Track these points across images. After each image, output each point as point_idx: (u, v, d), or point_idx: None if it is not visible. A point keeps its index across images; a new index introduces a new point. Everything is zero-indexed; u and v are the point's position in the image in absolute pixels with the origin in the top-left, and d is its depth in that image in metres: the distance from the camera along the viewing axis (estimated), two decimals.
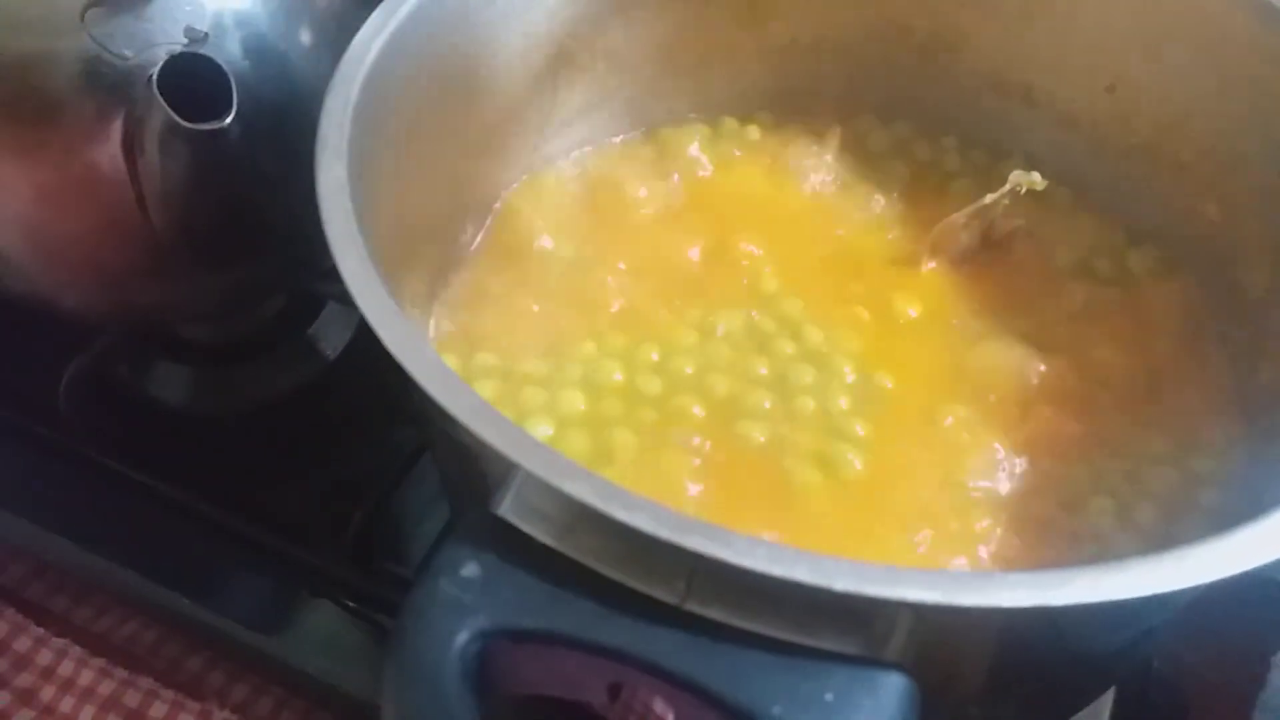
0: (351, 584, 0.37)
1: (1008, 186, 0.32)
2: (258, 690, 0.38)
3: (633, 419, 0.28)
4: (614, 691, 0.19)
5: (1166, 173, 0.34)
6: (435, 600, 0.18)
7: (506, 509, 0.19)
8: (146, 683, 0.37)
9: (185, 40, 0.30)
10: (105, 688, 0.38)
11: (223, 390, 0.42)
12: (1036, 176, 0.32)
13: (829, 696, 0.17)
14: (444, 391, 0.19)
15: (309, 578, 0.37)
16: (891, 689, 0.17)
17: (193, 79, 0.29)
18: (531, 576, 0.18)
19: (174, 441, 0.40)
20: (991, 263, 0.33)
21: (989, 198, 0.32)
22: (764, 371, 0.30)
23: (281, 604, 0.37)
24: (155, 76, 0.28)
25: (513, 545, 0.19)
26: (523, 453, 0.18)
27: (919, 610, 0.18)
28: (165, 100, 0.28)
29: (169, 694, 0.37)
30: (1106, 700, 0.34)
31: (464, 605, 0.18)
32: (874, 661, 0.18)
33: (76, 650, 0.38)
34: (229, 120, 0.28)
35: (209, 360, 0.42)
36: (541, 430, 0.27)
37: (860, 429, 0.28)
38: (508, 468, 0.19)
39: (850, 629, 0.18)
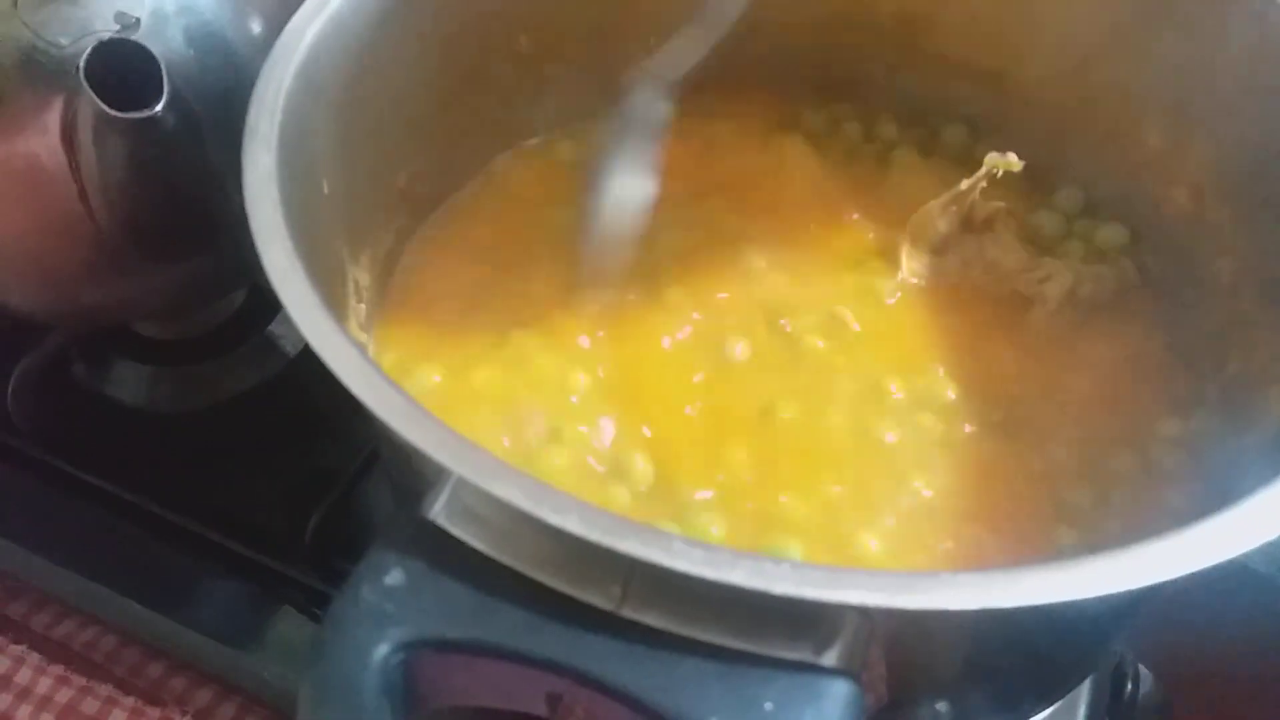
0: (312, 588, 0.36)
1: (983, 170, 0.31)
2: (219, 697, 0.37)
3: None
4: (553, 700, 0.18)
5: (1136, 158, 0.33)
6: (355, 610, 0.17)
7: (436, 513, 0.18)
8: (105, 690, 0.37)
9: (117, 27, 0.29)
10: (63, 695, 0.37)
11: (183, 389, 0.41)
12: (1013, 157, 0.31)
13: (768, 705, 0.16)
14: (369, 390, 0.18)
15: (270, 583, 0.36)
16: (835, 696, 0.17)
17: (126, 67, 0.28)
18: (460, 584, 0.17)
19: (131, 443, 0.39)
20: (966, 259, 0.32)
21: (964, 183, 0.31)
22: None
23: (243, 611, 0.36)
24: (83, 64, 0.27)
25: (442, 551, 0.18)
26: (449, 454, 0.18)
27: (864, 613, 0.17)
28: (99, 89, 0.27)
29: (129, 701, 0.36)
30: (1082, 691, 0.33)
31: (386, 615, 0.17)
32: (817, 668, 0.17)
33: (34, 657, 0.37)
34: (159, 109, 0.27)
35: (168, 359, 0.41)
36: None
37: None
38: (435, 469, 0.18)
39: (792, 634, 0.17)
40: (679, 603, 0.17)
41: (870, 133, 0.36)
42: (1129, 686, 0.36)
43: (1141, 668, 0.37)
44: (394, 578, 0.17)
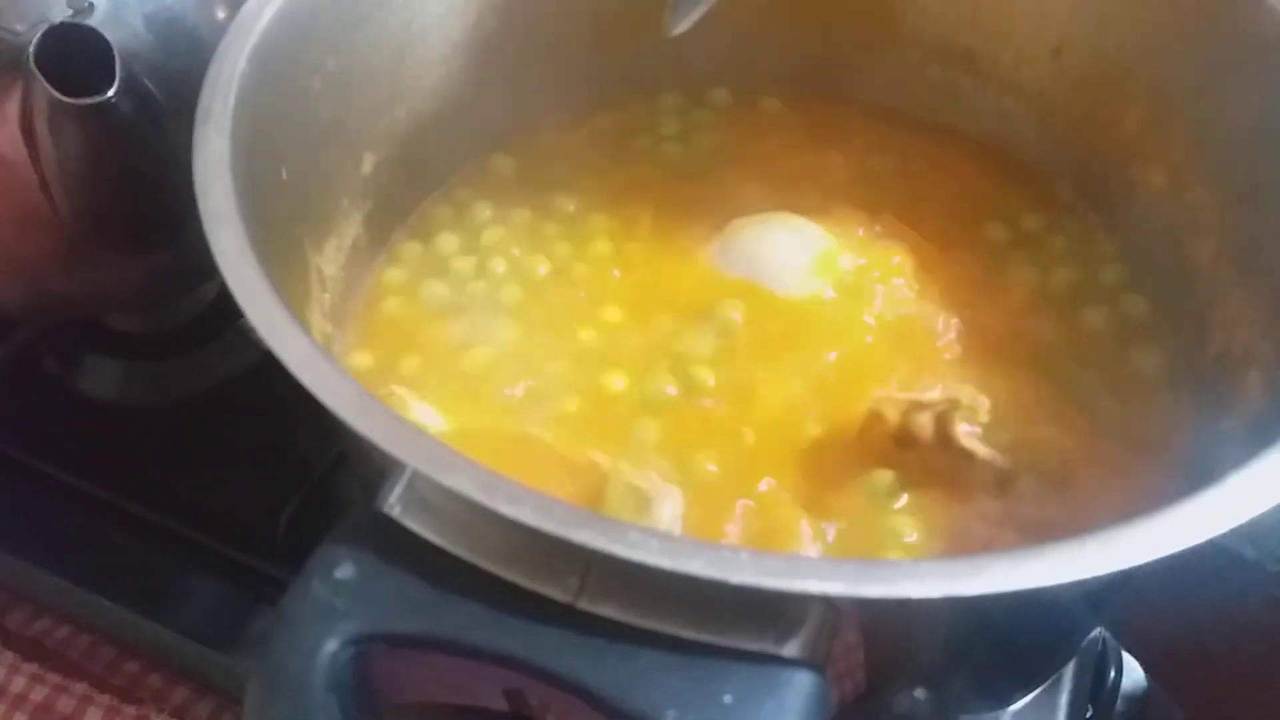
0: (287, 584, 0.35)
1: (943, 395, 0.27)
2: (196, 694, 0.37)
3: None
4: (511, 695, 0.18)
5: (1113, 140, 0.33)
6: (304, 605, 0.16)
7: (390, 505, 0.18)
8: (81, 688, 0.36)
9: (71, 11, 0.28)
10: (38, 694, 0.37)
11: (155, 383, 0.41)
12: (984, 404, 0.27)
13: (727, 698, 0.16)
14: (319, 381, 0.18)
15: (246, 580, 0.36)
16: (797, 688, 0.16)
17: (80, 53, 0.27)
18: (414, 577, 0.17)
19: (103, 438, 0.39)
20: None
21: (918, 395, 0.27)
22: None
23: (219, 609, 0.36)
24: (33, 50, 0.26)
25: (396, 545, 0.17)
26: (401, 445, 0.17)
27: (826, 603, 0.16)
28: (55, 77, 0.27)
29: (104, 699, 0.36)
30: (1065, 678, 0.33)
31: (336, 610, 0.16)
32: (779, 659, 0.16)
33: (8, 656, 0.37)
34: (112, 94, 0.26)
35: (140, 353, 0.40)
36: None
37: None
38: (388, 461, 0.17)
39: (753, 625, 0.17)
40: (637, 594, 0.17)
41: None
42: (1112, 673, 0.36)
43: (1125, 654, 0.37)
44: (345, 571, 0.17)
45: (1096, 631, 0.34)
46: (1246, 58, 0.29)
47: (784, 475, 0.25)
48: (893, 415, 0.26)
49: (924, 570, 0.16)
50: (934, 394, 0.27)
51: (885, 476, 0.26)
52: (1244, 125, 0.29)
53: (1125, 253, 0.32)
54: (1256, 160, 0.28)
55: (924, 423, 0.26)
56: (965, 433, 0.26)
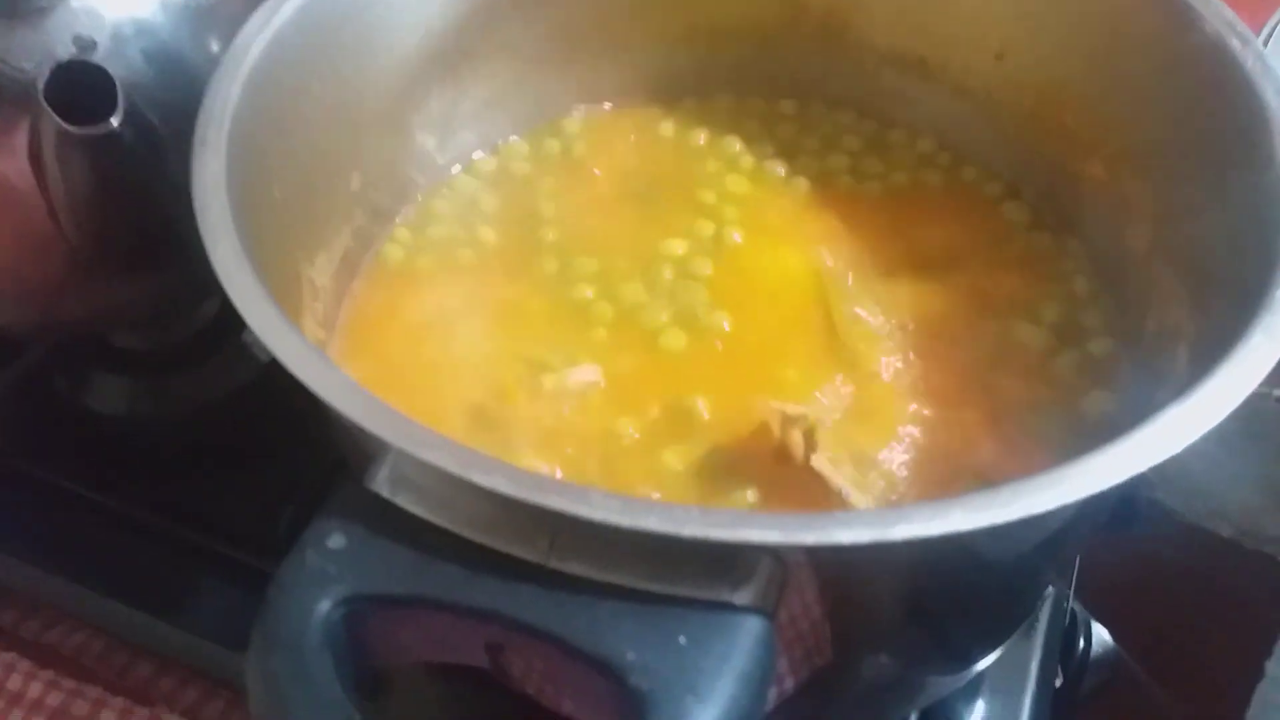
0: None
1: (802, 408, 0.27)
2: (207, 694, 0.38)
3: None
4: (492, 650, 0.20)
5: (1054, 137, 0.35)
6: (299, 571, 0.18)
7: (379, 483, 0.20)
8: (95, 692, 0.38)
9: (75, 49, 0.30)
10: (54, 699, 0.38)
11: (159, 398, 0.42)
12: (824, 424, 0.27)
13: (682, 639, 0.18)
14: (312, 373, 0.20)
15: (254, 581, 0.37)
16: (747, 630, 0.18)
17: (87, 88, 0.29)
18: (400, 545, 0.19)
19: (112, 451, 0.41)
20: None
21: (787, 408, 0.27)
22: None
23: (228, 609, 0.37)
24: (42, 85, 0.28)
25: (383, 517, 0.19)
26: (387, 428, 0.19)
27: (772, 554, 0.18)
28: (63, 110, 0.29)
29: (118, 701, 0.38)
30: (1034, 648, 0.35)
31: (328, 575, 0.18)
32: (731, 606, 0.18)
33: (25, 663, 0.38)
34: (115, 123, 0.28)
35: (144, 369, 0.42)
36: None
37: None
38: (375, 443, 0.19)
39: (707, 576, 0.18)
40: (600, 551, 0.19)
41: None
42: (1081, 641, 0.38)
43: (1094, 623, 0.38)
44: (336, 541, 0.19)
45: (1056, 595, 0.35)
46: (1168, 66, 0.31)
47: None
48: (775, 428, 0.26)
49: (853, 519, 0.18)
50: (800, 409, 0.27)
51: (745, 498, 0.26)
52: (1173, 120, 0.31)
53: (1077, 244, 0.34)
54: (1179, 156, 0.31)
55: (797, 440, 0.26)
56: (819, 457, 0.26)
